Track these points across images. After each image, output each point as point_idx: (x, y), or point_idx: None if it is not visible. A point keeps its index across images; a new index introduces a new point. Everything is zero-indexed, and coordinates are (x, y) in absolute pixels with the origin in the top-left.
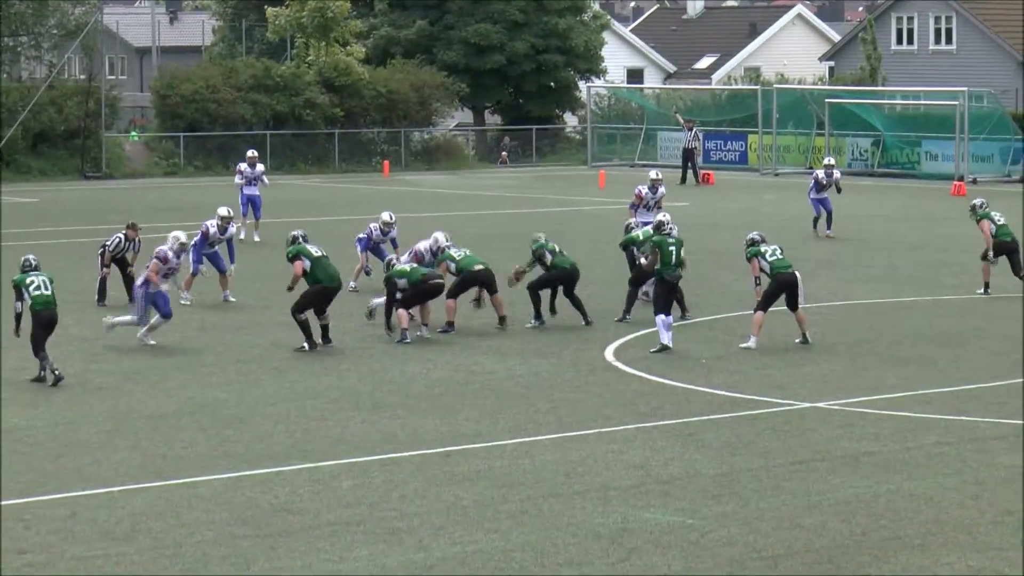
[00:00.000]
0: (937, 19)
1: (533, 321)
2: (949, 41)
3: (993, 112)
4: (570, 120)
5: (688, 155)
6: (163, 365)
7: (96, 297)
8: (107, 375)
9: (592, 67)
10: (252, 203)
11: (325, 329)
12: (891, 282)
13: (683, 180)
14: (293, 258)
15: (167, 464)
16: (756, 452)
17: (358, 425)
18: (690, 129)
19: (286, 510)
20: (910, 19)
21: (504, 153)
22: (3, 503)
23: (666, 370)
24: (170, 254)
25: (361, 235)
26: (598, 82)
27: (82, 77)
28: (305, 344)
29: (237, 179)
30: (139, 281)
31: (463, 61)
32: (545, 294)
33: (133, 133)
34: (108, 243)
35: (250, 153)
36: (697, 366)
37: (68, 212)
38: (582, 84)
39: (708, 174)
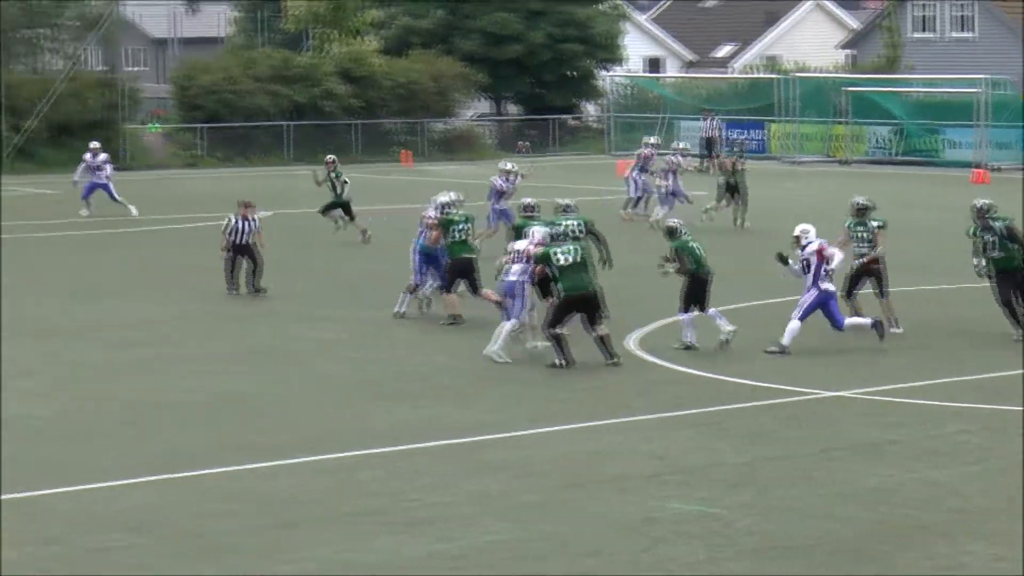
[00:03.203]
0: (956, 6)
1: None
2: (970, 28)
3: (1013, 99)
4: (590, 109)
5: (709, 144)
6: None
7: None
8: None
9: (612, 56)
10: (106, 190)
11: (603, 341)
12: (913, 270)
13: (705, 169)
14: (539, 260)
15: None
16: (778, 442)
17: (380, 415)
18: (707, 119)
19: (298, 501)
20: (929, 6)
21: (523, 142)
22: None
23: (688, 359)
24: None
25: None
26: (618, 70)
27: (100, 69)
28: (558, 360)
29: (79, 173)
30: (511, 275)
31: (481, 51)
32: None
33: (152, 124)
34: (224, 225)
35: (93, 144)
36: (720, 354)
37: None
38: (601, 73)
39: None
